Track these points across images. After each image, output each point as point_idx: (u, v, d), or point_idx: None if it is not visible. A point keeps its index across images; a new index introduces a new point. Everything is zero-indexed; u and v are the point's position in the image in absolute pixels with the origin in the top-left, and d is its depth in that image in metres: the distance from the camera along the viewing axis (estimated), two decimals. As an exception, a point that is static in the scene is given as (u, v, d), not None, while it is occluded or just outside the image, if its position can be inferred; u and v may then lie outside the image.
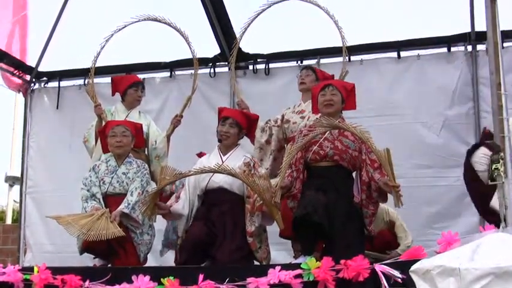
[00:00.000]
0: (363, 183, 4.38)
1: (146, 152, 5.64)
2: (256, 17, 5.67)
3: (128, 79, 5.90)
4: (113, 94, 5.86)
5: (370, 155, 4.35)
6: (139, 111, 5.76)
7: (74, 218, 4.77)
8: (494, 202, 4.33)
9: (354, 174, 4.57)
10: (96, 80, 6.60)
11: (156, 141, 5.61)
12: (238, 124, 4.86)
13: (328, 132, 4.48)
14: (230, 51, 6.80)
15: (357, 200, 4.42)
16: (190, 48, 5.86)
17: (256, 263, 4.63)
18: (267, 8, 5.72)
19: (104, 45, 5.82)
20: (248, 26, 5.73)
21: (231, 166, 4.37)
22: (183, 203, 4.66)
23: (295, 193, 4.41)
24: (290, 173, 4.39)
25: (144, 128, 5.56)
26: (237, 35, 6.01)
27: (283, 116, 5.43)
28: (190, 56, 5.99)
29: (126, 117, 5.62)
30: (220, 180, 4.64)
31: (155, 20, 5.75)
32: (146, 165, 5.19)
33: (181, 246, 4.64)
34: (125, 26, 5.79)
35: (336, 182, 4.44)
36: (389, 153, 4.11)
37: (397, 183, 4.11)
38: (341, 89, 4.64)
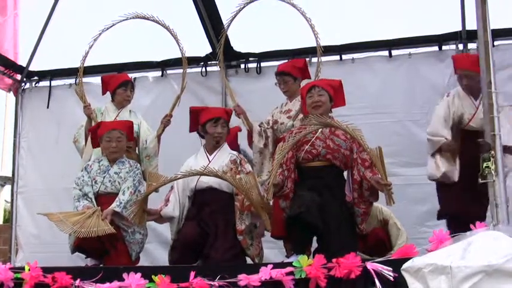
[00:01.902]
0: (354, 182, 4.39)
1: (137, 151, 5.63)
2: (244, 7, 5.62)
3: (117, 78, 5.89)
4: (103, 93, 5.85)
5: (361, 154, 4.36)
6: (129, 110, 5.74)
7: (65, 215, 4.77)
8: None
9: (345, 173, 4.58)
10: (88, 80, 6.61)
11: (146, 141, 5.60)
12: (227, 123, 4.89)
13: (319, 131, 4.48)
14: (222, 50, 6.80)
15: (348, 199, 4.43)
16: (179, 45, 5.82)
17: (249, 260, 4.63)
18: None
19: (92, 45, 5.79)
20: (235, 16, 5.65)
21: (218, 165, 4.39)
22: (173, 206, 4.67)
23: (287, 193, 4.40)
24: (281, 172, 4.38)
25: (135, 127, 5.56)
26: (228, 33, 5.97)
27: (272, 117, 5.42)
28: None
29: (117, 116, 5.61)
30: (209, 180, 4.63)
31: (144, 18, 5.71)
32: (138, 165, 5.22)
33: (173, 247, 4.65)
34: (113, 25, 5.75)
35: (329, 181, 4.45)
36: (381, 151, 4.13)
37: (388, 181, 4.12)
38: (327, 88, 4.64)
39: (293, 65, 5.51)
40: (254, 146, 5.35)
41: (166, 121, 5.68)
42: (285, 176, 4.40)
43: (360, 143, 4.20)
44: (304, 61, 5.56)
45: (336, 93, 4.70)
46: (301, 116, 5.12)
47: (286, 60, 6.48)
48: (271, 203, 4.52)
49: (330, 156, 4.46)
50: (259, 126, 5.40)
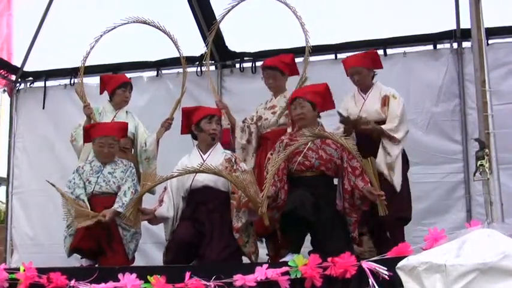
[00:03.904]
0: (345, 191, 4.40)
1: (133, 152, 5.62)
2: (238, 3, 5.61)
3: (117, 79, 5.88)
4: (101, 93, 5.84)
5: (351, 161, 4.39)
6: (126, 111, 5.73)
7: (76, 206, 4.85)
8: None
9: (335, 180, 4.61)
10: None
11: (146, 143, 5.59)
12: (221, 121, 4.92)
13: (310, 141, 4.49)
14: (217, 49, 6.80)
15: (339, 207, 4.44)
16: (179, 51, 5.83)
17: (245, 258, 4.63)
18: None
19: (94, 45, 5.76)
20: (227, 12, 5.66)
21: (213, 164, 4.37)
22: (168, 206, 4.64)
23: (281, 204, 4.41)
24: (274, 183, 4.37)
25: (132, 129, 5.56)
26: (223, 33, 5.98)
27: (257, 113, 5.42)
28: (177, 55, 5.97)
29: (114, 117, 5.60)
30: (204, 178, 4.62)
31: (144, 22, 5.70)
32: (132, 164, 5.20)
33: (168, 247, 4.63)
34: (115, 27, 5.73)
35: (321, 189, 4.47)
36: (373, 162, 4.16)
37: (381, 192, 4.15)
38: (309, 97, 4.65)
39: (281, 60, 5.49)
40: (237, 142, 5.35)
41: (167, 125, 5.67)
42: (278, 187, 4.41)
43: (352, 152, 4.21)
44: (292, 56, 5.54)
45: (323, 98, 4.73)
46: (286, 112, 5.14)
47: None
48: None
49: (323, 168, 4.49)
50: (243, 122, 5.41)
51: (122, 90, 5.68)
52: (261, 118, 5.35)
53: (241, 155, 5.25)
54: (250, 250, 4.62)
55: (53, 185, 4.92)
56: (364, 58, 5.24)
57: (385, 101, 5.04)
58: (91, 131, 5.18)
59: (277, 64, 5.42)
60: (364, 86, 5.18)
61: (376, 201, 4.19)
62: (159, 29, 5.71)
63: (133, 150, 5.65)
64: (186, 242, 4.49)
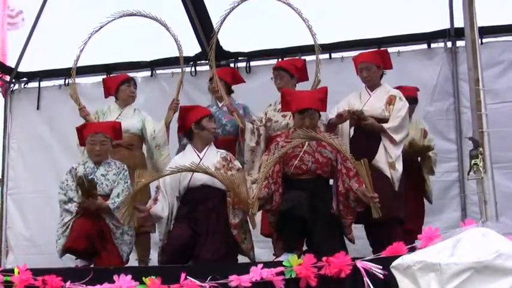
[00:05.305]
0: (339, 194, 4.40)
1: (143, 150, 5.60)
2: (234, 8, 5.59)
3: (118, 77, 5.91)
4: (106, 96, 5.82)
5: (345, 163, 4.38)
6: (134, 109, 5.70)
7: None
8: None
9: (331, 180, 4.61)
10: (76, 81, 6.56)
11: (155, 131, 5.56)
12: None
13: (307, 144, 4.48)
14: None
15: (333, 211, 4.43)
16: (170, 32, 5.70)
17: (241, 258, 4.64)
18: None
19: (83, 48, 5.76)
20: (226, 17, 5.60)
21: (210, 163, 4.39)
22: (162, 205, 4.60)
23: (275, 207, 4.40)
24: (267, 185, 4.36)
25: (138, 125, 5.56)
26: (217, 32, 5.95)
27: (266, 114, 5.42)
28: (171, 55, 5.95)
29: (119, 115, 5.57)
30: (203, 177, 4.57)
31: (131, 15, 5.64)
32: (125, 166, 5.15)
33: (164, 249, 4.61)
34: (101, 27, 5.70)
35: (318, 191, 4.47)
36: (366, 164, 4.16)
37: (374, 194, 4.14)
38: (319, 107, 4.64)
39: (292, 63, 5.52)
40: (246, 144, 5.33)
41: (174, 106, 5.62)
42: (272, 190, 4.40)
43: (345, 154, 4.21)
44: (304, 62, 5.56)
45: (323, 103, 4.73)
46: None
47: (276, 60, 6.49)
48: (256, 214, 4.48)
49: (319, 172, 4.49)
50: (252, 123, 5.40)
51: (126, 86, 5.68)
52: (271, 120, 5.34)
53: (249, 157, 5.26)
54: (248, 247, 4.63)
55: None
56: (375, 55, 5.32)
57: (391, 100, 5.07)
58: (83, 131, 5.16)
59: (287, 66, 5.44)
60: (372, 84, 5.21)
61: (369, 203, 4.19)
62: (147, 17, 5.64)
63: (143, 146, 5.63)
64: (182, 244, 4.47)
